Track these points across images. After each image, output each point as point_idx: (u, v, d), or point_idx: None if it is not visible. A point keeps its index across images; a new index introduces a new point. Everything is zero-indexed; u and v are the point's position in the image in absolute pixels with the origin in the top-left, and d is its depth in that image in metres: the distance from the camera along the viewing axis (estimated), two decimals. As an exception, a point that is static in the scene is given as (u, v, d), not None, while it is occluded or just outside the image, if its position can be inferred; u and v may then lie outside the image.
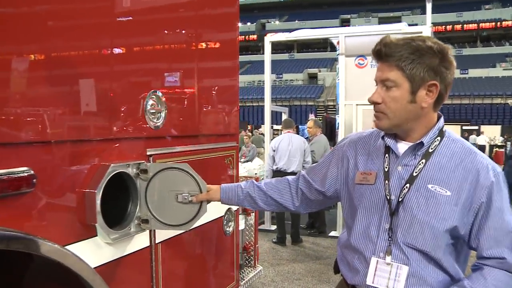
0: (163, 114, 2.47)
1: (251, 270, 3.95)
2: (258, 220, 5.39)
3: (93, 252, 2.00)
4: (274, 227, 8.18)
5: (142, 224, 2.25)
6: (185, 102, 2.74)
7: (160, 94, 2.42)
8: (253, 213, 4.06)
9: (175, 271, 2.65)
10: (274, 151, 7.41)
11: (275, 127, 15.73)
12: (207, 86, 3.01)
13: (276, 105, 12.17)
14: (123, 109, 2.19)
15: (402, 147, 1.76)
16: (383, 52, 1.64)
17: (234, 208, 3.38)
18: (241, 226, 3.82)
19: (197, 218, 2.20)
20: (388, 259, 1.72)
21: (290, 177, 2.18)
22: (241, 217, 3.82)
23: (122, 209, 2.22)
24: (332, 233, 8.20)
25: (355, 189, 1.86)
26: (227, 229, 3.27)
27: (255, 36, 60.07)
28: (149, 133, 2.37)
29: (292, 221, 7.69)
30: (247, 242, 4.01)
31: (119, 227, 2.15)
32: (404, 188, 1.71)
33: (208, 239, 3.03)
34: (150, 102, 2.35)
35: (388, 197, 1.73)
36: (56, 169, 1.83)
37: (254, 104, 42.52)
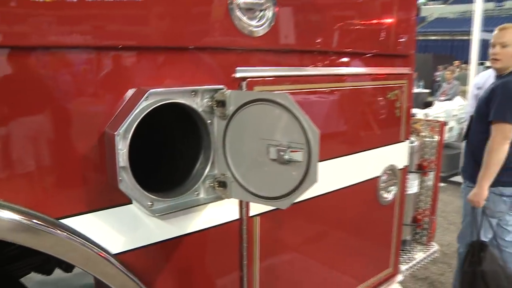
0: (269, 13, 1.48)
1: (422, 249, 2.81)
2: (444, 174, 4.05)
3: (129, 228, 1.26)
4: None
5: (218, 189, 1.39)
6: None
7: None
8: (433, 171, 2.81)
9: (283, 262, 1.77)
10: (478, 89, 5.58)
11: (488, 63, 12.79)
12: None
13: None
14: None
15: None
16: None
17: (400, 164, 2.25)
18: (412, 189, 2.67)
19: (300, 191, 1.23)
20: None
21: None
22: (412, 176, 2.65)
23: (188, 165, 1.40)
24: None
25: None
26: (385, 195, 2.19)
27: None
28: (240, 42, 1.43)
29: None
30: (420, 211, 2.84)
31: (177, 191, 1.34)
32: None
33: (349, 209, 2.03)
34: (241, -14, 1.39)
35: None
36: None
37: (465, 38, 36.72)
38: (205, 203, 1.38)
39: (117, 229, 1.24)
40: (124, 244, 1.25)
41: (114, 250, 1.23)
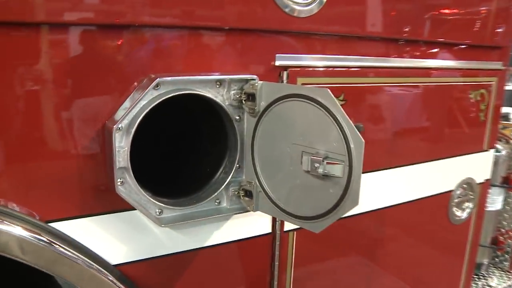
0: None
1: (501, 276, 2.38)
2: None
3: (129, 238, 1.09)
4: None
5: (243, 198, 1.17)
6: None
7: None
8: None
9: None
10: None
11: None
12: None
13: None
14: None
15: None
16: None
17: (480, 178, 1.88)
18: (494, 206, 2.25)
19: (337, 214, 0.97)
20: None
21: None
22: (495, 191, 2.23)
23: (212, 169, 1.19)
24: None
25: None
26: (458, 213, 1.83)
27: None
28: (282, 23, 1.18)
29: None
30: (503, 231, 2.41)
31: (193, 198, 1.14)
32: None
33: (411, 226, 1.71)
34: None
35: None
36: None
37: None
38: (227, 214, 1.17)
39: (120, 236, 1.07)
40: (127, 254, 1.08)
41: (114, 261, 1.06)
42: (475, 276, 2.29)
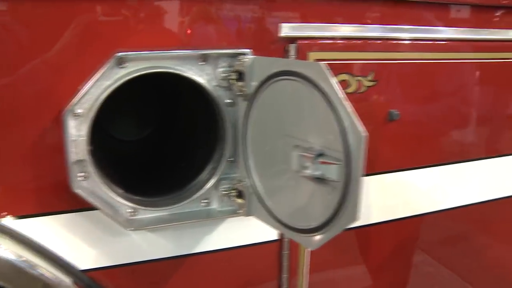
0: None
1: None
2: None
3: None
4: None
5: (236, 200, 0.97)
6: None
7: None
8: None
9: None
10: None
11: None
12: None
13: None
14: None
15: None
16: None
17: None
18: None
19: (334, 229, 0.73)
20: None
21: None
22: None
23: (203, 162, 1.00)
24: None
25: None
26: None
27: None
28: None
29: None
30: None
31: (174, 197, 0.96)
32: None
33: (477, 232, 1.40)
34: None
35: None
36: None
37: None
38: (216, 218, 0.98)
39: (90, 238, 0.93)
40: (97, 259, 0.94)
41: (83, 265, 0.93)
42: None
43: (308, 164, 0.75)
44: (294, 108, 0.78)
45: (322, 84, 0.70)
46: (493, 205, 1.36)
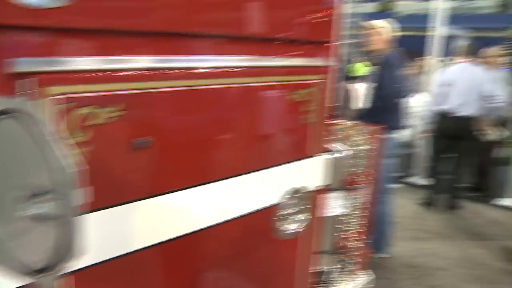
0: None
1: (347, 279, 2.36)
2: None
3: None
4: (425, 183, 6.03)
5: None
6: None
7: None
8: (363, 187, 2.37)
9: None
10: (445, 85, 5.17)
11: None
12: None
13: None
14: None
15: None
16: None
17: (310, 186, 1.78)
18: (334, 211, 2.21)
19: (58, 268, 0.73)
20: None
21: None
22: (335, 195, 2.19)
23: None
24: (505, 201, 5.90)
25: None
26: (287, 226, 1.72)
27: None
28: (18, 16, 0.91)
29: (453, 176, 5.39)
30: (344, 234, 2.39)
31: None
32: None
33: (229, 249, 1.54)
34: None
35: None
36: None
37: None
38: None
39: None
40: None
41: None
42: (321, 285, 2.23)
43: (27, 204, 0.72)
44: (9, 149, 0.75)
45: (29, 122, 0.69)
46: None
